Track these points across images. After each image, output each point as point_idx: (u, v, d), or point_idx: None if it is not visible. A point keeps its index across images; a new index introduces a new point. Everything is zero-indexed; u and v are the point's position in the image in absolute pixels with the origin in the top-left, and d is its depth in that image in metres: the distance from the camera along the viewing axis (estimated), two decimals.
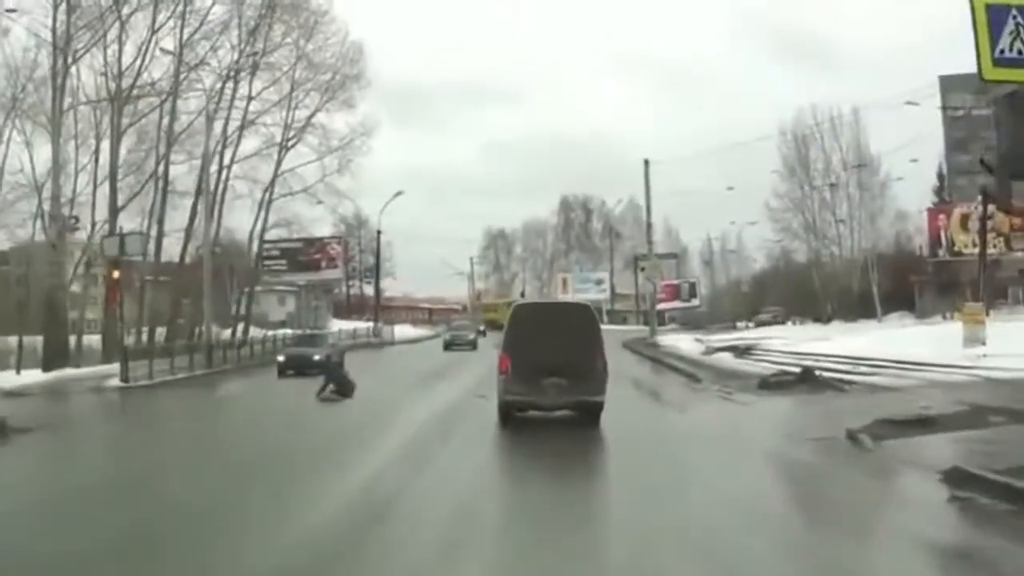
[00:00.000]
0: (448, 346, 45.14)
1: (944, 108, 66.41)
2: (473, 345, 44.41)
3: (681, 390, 22.73)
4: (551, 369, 14.29)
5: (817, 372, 20.76)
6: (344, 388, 20.97)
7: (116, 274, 27.87)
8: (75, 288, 43.13)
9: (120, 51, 41.21)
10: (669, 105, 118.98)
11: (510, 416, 15.06)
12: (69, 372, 31.82)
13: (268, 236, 54.32)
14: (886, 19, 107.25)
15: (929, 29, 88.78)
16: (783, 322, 67.57)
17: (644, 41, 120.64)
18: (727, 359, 31.14)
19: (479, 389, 20.08)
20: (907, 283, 66.28)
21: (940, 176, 70.45)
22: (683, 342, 42.85)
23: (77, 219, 39.28)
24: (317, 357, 27.71)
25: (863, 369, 22.96)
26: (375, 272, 71.25)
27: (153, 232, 43.24)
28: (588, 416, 14.68)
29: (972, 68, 13.92)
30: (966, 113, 72.37)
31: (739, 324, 71.41)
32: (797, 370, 22.33)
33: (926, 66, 70.85)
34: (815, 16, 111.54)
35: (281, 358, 29.83)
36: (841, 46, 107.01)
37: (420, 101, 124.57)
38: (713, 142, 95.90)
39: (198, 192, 39.50)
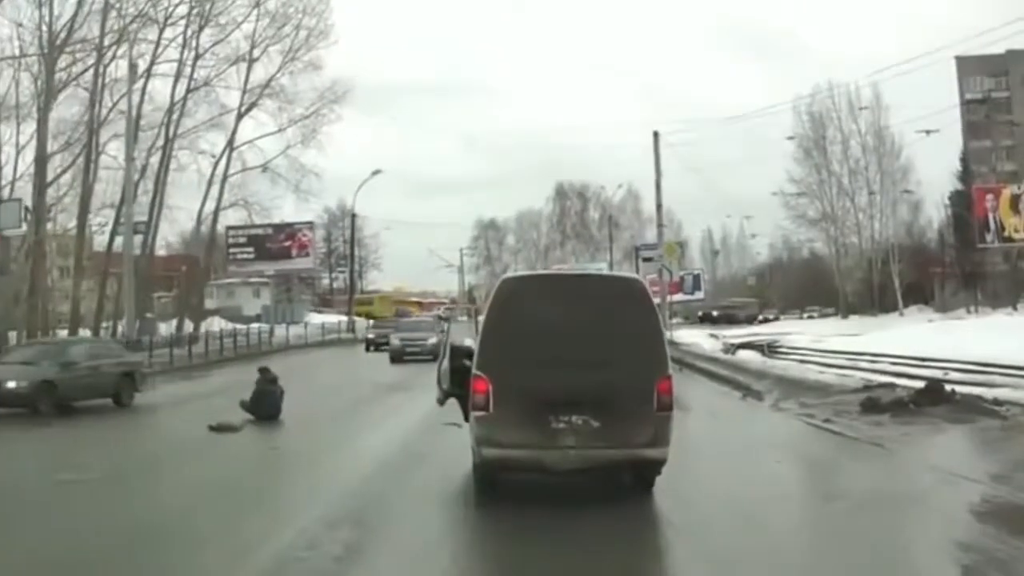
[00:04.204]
0: (396, 357, 30.10)
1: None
2: (434, 354, 30.79)
3: (745, 412, 16.08)
4: (568, 399, 7.60)
5: (950, 387, 14.12)
6: (260, 404, 14.48)
7: None
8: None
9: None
10: (658, 101, 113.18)
11: (495, 482, 8.31)
12: None
13: (229, 220, 48.18)
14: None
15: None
16: (837, 315, 62.80)
17: (632, 33, 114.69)
18: (761, 360, 26.40)
19: (449, 410, 13.53)
20: (924, 275, 62.07)
21: (963, 160, 65.54)
22: (700, 339, 38.56)
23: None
24: (12, 384, 15.90)
25: (956, 376, 17.25)
26: (349, 260, 64.62)
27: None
28: (632, 480, 8.20)
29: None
30: (985, 96, 67.65)
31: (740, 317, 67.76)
32: (892, 381, 16.96)
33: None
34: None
35: None
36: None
37: (400, 98, 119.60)
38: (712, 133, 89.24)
39: (128, 164, 32.74)
